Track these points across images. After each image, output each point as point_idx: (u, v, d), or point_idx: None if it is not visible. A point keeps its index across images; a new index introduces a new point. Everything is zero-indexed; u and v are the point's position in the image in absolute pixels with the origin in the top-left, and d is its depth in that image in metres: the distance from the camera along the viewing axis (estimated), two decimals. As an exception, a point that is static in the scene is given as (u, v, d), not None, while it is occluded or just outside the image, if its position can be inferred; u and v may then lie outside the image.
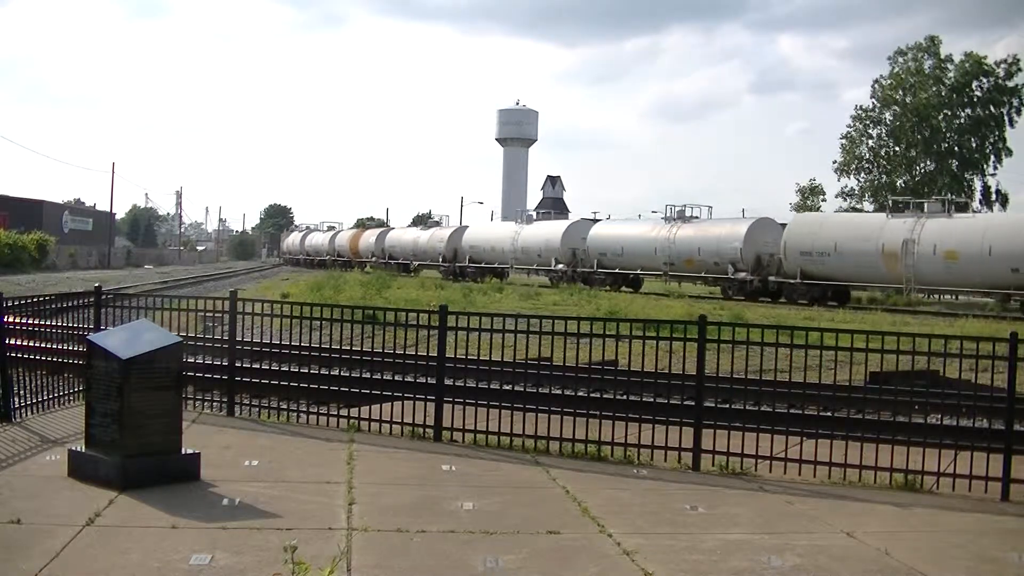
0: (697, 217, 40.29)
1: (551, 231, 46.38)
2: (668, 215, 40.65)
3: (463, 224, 60.53)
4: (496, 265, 49.05)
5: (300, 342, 12.64)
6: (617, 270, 41.48)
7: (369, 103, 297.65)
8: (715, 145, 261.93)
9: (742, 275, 35.62)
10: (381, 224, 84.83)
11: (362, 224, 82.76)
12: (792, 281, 33.77)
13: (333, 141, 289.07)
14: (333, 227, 78.20)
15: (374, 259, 62.51)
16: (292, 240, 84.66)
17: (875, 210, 56.94)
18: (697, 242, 37.80)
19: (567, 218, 51.01)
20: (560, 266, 44.27)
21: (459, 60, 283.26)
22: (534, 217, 51.42)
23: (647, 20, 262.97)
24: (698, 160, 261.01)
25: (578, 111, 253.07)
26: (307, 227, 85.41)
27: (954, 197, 41.65)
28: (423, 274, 55.09)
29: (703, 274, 37.93)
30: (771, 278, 34.98)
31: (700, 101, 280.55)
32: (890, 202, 33.53)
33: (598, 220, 45.83)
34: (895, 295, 32.87)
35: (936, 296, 33.12)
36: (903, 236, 30.48)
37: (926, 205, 32.36)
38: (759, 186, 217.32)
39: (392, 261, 59.76)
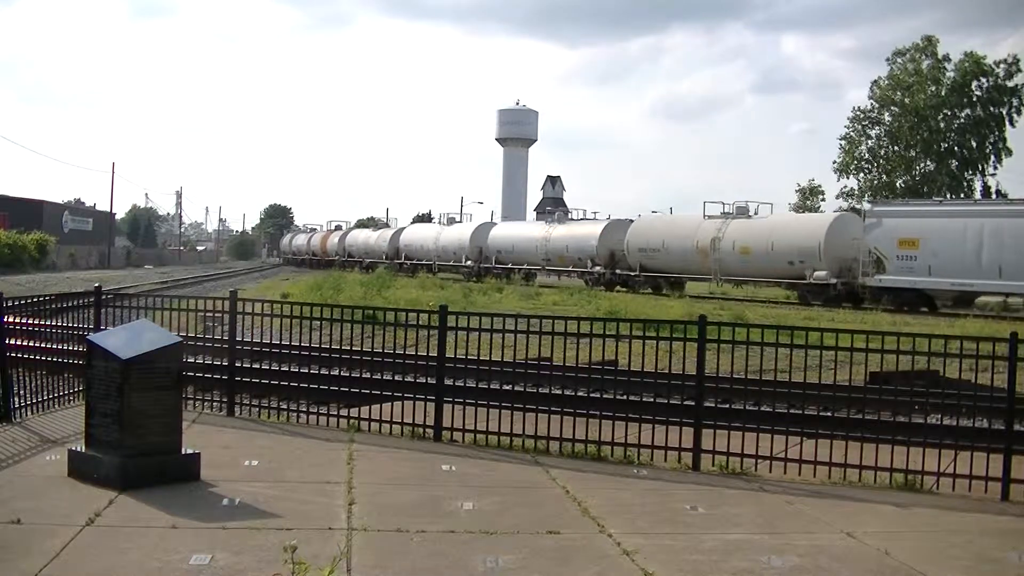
0: (573, 219, 48.02)
1: (462, 232, 53.26)
2: (549, 218, 48.32)
3: (400, 227, 68.08)
4: (424, 261, 55.86)
5: (300, 342, 12.64)
6: (510, 265, 48.01)
7: (370, 103, 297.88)
8: (717, 145, 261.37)
9: (598, 269, 42.23)
10: (382, 224, 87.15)
11: (363, 224, 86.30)
12: (633, 273, 40.08)
13: (333, 141, 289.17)
14: (315, 229, 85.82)
15: (337, 257, 69.84)
16: (285, 241, 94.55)
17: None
18: (566, 240, 44.78)
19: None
20: (469, 262, 50.50)
21: (461, 60, 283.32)
22: (456, 220, 58.44)
23: (650, 20, 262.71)
24: (700, 160, 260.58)
25: (580, 111, 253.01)
26: (298, 228, 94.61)
27: (954, 197, 42.38)
28: (377, 270, 59.97)
29: (571, 268, 44.68)
30: (617, 271, 41.21)
31: (702, 101, 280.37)
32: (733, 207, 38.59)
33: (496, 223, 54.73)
34: (713, 285, 38.46)
35: (739, 285, 38.40)
36: (712, 235, 36.49)
37: (734, 208, 37.77)
38: (761, 186, 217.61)
39: (351, 259, 66.86)
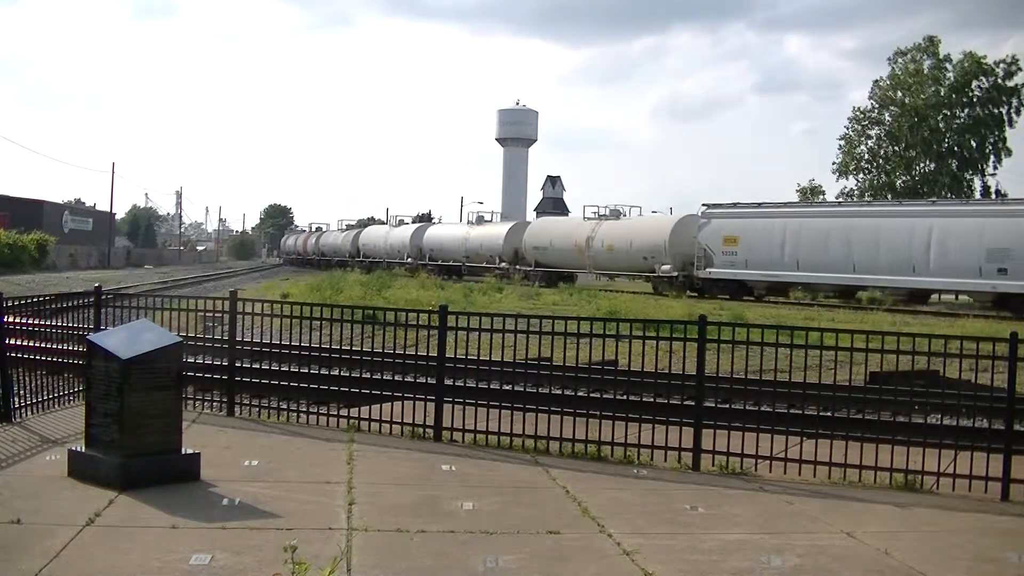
0: (490, 221, 53.84)
1: (405, 233, 60.05)
2: (470, 220, 54.62)
3: (359, 229, 75.30)
4: (377, 259, 62.32)
5: (300, 342, 12.63)
6: (440, 262, 53.67)
7: (371, 103, 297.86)
8: (719, 145, 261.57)
9: (504, 264, 47.57)
10: (381, 223, 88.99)
11: (362, 224, 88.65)
12: (529, 268, 45.53)
13: (333, 141, 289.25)
14: (304, 231, 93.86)
15: (313, 256, 77.81)
16: (283, 241, 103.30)
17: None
18: (481, 240, 50.80)
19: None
20: (410, 259, 56.43)
21: (462, 60, 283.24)
22: (406, 222, 65.33)
23: (652, 20, 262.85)
24: (701, 160, 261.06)
25: (581, 111, 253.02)
26: (294, 229, 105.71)
27: (953, 196, 42.93)
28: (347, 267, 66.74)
29: (484, 264, 49.80)
30: (519, 266, 46.42)
31: (705, 101, 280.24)
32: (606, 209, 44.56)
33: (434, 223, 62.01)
34: (591, 278, 44.16)
35: (611, 278, 44.53)
36: (587, 234, 42.09)
37: (608, 211, 43.54)
38: (764, 186, 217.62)
39: (323, 257, 74.11)
